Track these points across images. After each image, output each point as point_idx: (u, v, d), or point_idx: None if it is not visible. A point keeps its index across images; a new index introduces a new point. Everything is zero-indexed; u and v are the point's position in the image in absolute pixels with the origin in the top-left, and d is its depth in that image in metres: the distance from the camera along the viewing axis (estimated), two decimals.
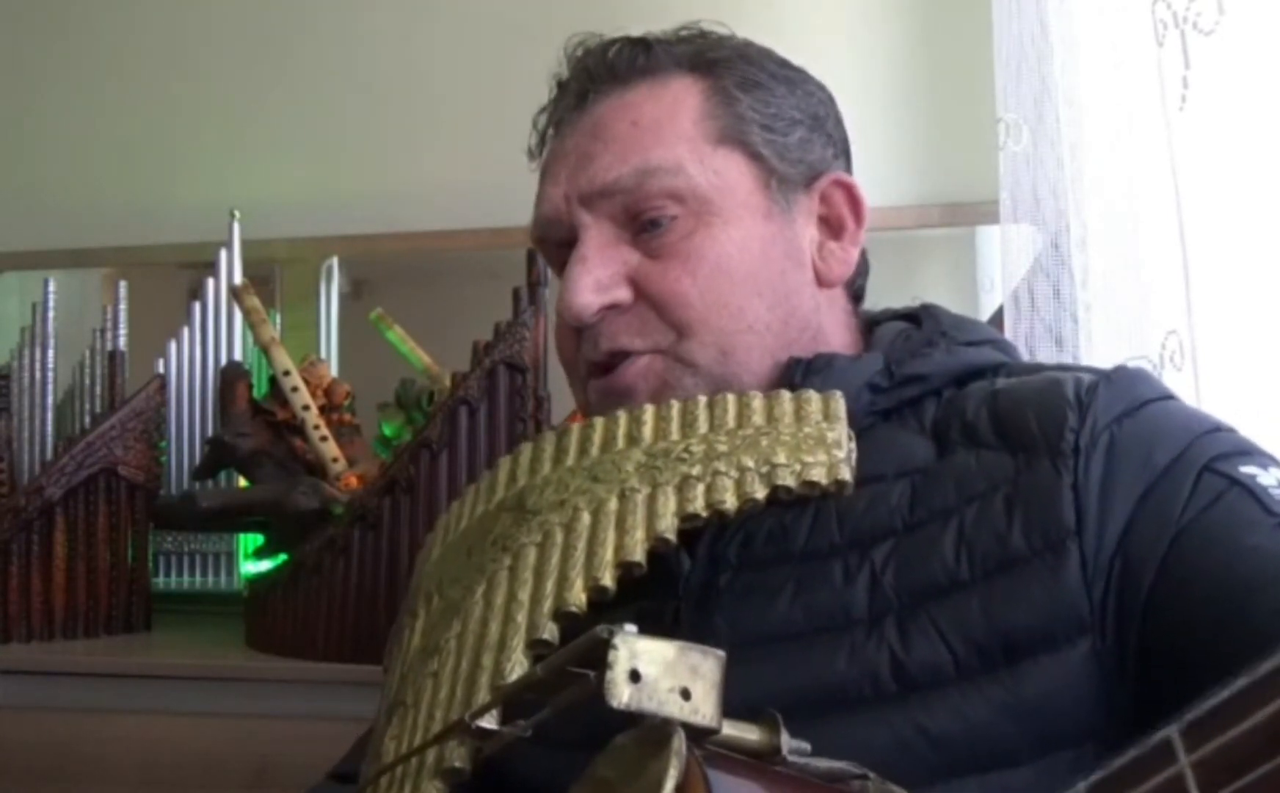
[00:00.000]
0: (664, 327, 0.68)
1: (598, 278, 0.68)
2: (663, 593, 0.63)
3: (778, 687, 0.57)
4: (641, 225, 0.69)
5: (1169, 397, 0.64)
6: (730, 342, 0.68)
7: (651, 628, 0.61)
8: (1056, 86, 1.20)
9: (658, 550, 0.58)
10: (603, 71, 0.72)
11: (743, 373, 0.68)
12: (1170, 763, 0.27)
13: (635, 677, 0.39)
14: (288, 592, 1.25)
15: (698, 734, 0.39)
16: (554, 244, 0.73)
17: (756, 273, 0.69)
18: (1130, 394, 0.62)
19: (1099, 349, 1.15)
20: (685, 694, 0.39)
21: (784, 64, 0.75)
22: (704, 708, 0.39)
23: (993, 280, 1.37)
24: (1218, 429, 0.61)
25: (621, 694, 0.39)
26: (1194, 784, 0.26)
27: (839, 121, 0.77)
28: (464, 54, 1.61)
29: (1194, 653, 0.54)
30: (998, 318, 1.24)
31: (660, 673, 0.39)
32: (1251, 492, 0.56)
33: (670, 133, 0.69)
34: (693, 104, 0.70)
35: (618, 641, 0.40)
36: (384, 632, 0.81)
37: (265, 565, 1.33)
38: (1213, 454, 0.58)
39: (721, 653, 0.41)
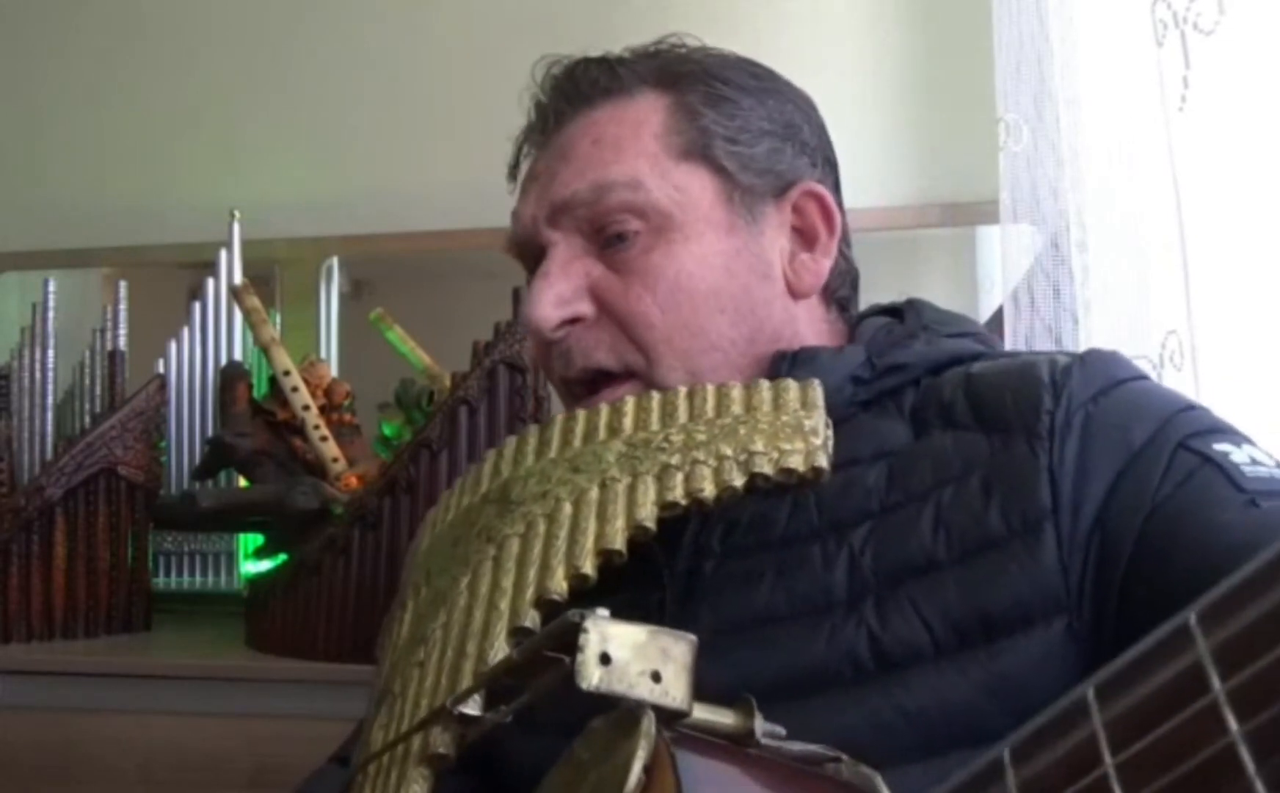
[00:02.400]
0: (632, 347, 0.69)
1: (559, 292, 0.69)
2: (648, 584, 0.64)
3: (760, 671, 0.58)
4: (606, 239, 0.69)
5: (1142, 376, 0.65)
6: (696, 363, 0.68)
7: (636, 618, 0.62)
8: (1056, 86, 1.20)
9: (639, 540, 0.58)
10: (571, 92, 0.73)
11: None
12: (1085, 720, 0.28)
13: (606, 660, 0.39)
14: (288, 592, 1.25)
15: (669, 717, 0.39)
16: (528, 260, 0.74)
17: (718, 288, 0.69)
18: (1104, 374, 0.62)
19: None
20: (656, 677, 0.40)
21: (757, 75, 0.75)
22: (674, 691, 0.40)
23: (993, 280, 1.37)
24: (1191, 408, 0.62)
25: (592, 677, 0.39)
26: (1105, 743, 0.27)
27: (820, 131, 0.76)
28: (464, 54, 1.61)
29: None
30: (998, 318, 1.24)
31: (631, 656, 0.40)
32: (1223, 469, 0.57)
33: (631, 149, 0.69)
34: (656, 121, 0.70)
35: (588, 624, 0.40)
36: None
37: (265, 565, 1.33)
38: (1187, 432, 0.59)
39: (693, 637, 0.41)
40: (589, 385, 0.71)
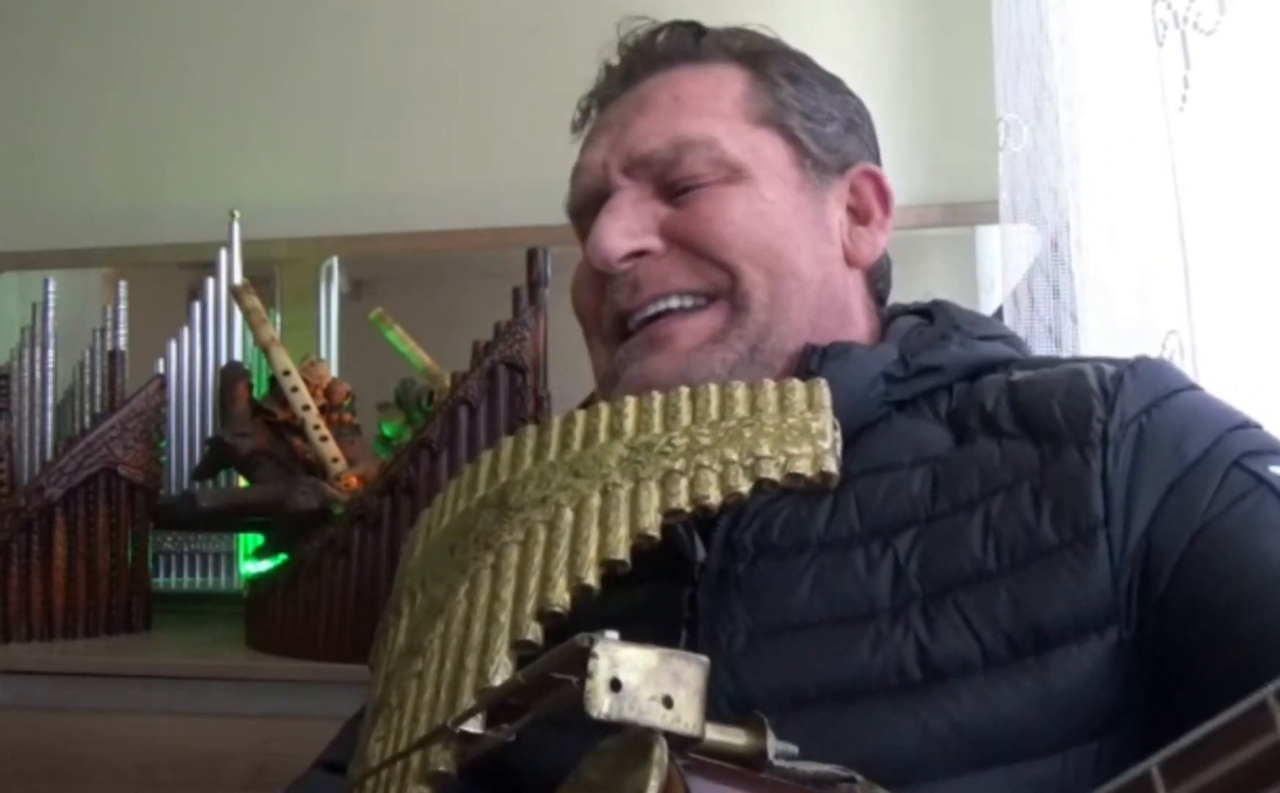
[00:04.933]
0: (713, 267, 0.69)
1: (627, 225, 0.70)
2: (676, 579, 0.63)
3: (802, 677, 0.58)
4: (674, 191, 0.71)
5: (1194, 387, 0.64)
6: (778, 287, 0.69)
7: (667, 614, 0.62)
8: (1056, 86, 1.20)
9: (643, 548, 0.57)
10: (652, 53, 0.75)
11: (787, 328, 0.69)
12: None
13: (616, 686, 0.38)
14: (288, 592, 1.25)
15: (680, 743, 0.39)
16: (591, 214, 0.73)
17: (792, 229, 0.70)
18: (1157, 384, 0.62)
19: (1099, 349, 1.15)
20: (667, 703, 0.39)
21: (825, 72, 0.78)
22: (686, 716, 0.39)
23: (993, 280, 1.37)
24: (1246, 424, 0.61)
25: (602, 704, 0.38)
26: None
27: (874, 135, 0.79)
28: (464, 54, 1.61)
29: (1199, 652, 0.54)
30: (998, 318, 1.24)
31: (641, 681, 0.39)
32: (1277, 493, 0.56)
33: (709, 109, 0.71)
34: (736, 88, 0.73)
35: (598, 649, 0.39)
36: None
37: (265, 565, 1.32)
38: (1243, 450, 0.58)
39: (705, 659, 0.40)
40: (646, 323, 0.70)
